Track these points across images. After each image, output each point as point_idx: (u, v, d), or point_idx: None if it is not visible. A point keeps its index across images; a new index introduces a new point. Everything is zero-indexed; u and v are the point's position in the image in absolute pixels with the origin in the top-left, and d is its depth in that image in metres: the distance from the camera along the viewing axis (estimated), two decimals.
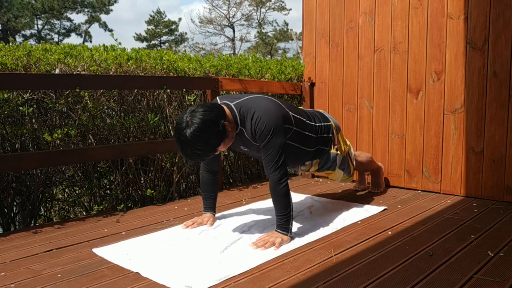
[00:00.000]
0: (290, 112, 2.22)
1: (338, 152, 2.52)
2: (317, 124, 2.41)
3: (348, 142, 2.68)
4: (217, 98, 2.22)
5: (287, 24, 31.88)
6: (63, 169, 2.91)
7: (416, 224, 2.31)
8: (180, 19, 42.57)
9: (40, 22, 27.87)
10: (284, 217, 2.04)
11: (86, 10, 28.26)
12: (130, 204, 2.94)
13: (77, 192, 3.00)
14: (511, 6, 2.67)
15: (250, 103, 2.08)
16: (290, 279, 1.63)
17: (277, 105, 2.13)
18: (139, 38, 32.19)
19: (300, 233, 2.14)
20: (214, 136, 1.91)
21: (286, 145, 2.09)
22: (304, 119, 2.33)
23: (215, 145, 1.93)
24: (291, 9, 32.72)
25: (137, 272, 1.70)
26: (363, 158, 2.90)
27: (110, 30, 30.05)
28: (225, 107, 2.06)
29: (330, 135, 2.48)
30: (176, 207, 2.77)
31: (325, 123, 2.47)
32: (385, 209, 2.62)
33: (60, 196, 3.08)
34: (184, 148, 1.90)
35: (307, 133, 2.32)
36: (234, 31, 31.30)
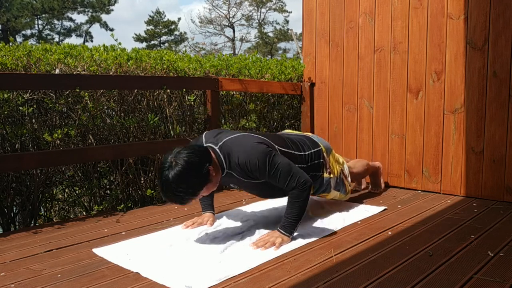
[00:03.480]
0: (277, 146, 2.19)
1: (331, 175, 2.50)
2: (307, 153, 2.37)
3: (341, 160, 2.65)
4: (203, 136, 2.17)
5: (287, 22, 31.87)
6: (63, 169, 2.91)
7: (416, 224, 2.31)
8: (179, 19, 42.51)
9: (40, 22, 27.90)
10: (292, 221, 2.03)
11: (86, 10, 28.28)
12: (130, 204, 2.94)
13: (77, 192, 3.00)
14: (511, 6, 2.67)
15: (234, 147, 2.03)
16: (290, 279, 1.63)
17: (262, 140, 2.10)
18: (138, 38, 32.19)
19: (300, 233, 2.14)
20: (197, 180, 1.89)
21: (286, 159, 2.08)
22: (293, 151, 2.30)
23: (197, 188, 1.91)
24: (291, 11, 32.70)
25: (137, 272, 1.70)
26: (359, 168, 2.88)
27: (111, 30, 30.07)
28: (210, 151, 2.02)
29: (321, 160, 2.45)
30: (176, 207, 2.77)
31: (315, 149, 2.43)
32: (385, 209, 2.61)
33: (60, 196, 3.08)
34: (165, 189, 1.87)
35: (297, 165, 2.24)
36: (234, 31, 31.33)
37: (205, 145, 2.10)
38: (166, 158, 1.89)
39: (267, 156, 2.01)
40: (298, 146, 2.37)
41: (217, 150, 2.05)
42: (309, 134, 2.63)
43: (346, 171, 2.65)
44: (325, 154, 2.48)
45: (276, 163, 2.02)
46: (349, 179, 2.67)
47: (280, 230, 2.04)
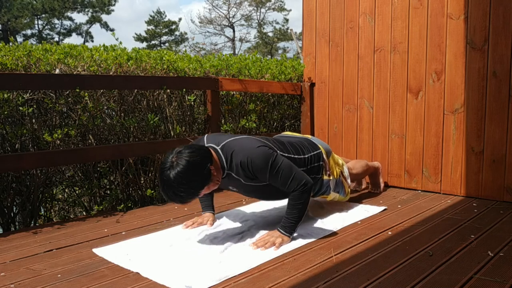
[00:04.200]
0: (278, 151, 2.18)
1: (331, 177, 2.49)
2: (306, 156, 2.36)
3: (341, 162, 2.64)
4: (204, 138, 2.17)
5: (287, 21, 31.83)
6: (63, 169, 2.91)
7: (416, 224, 2.31)
8: (180, 19, 42.58)
9: (40, 22, 27.92)
10: (293, 222, 2.03)
11: (86, 10, 28.31)
12: (130, 204, 2.94)
13: (77, 192, 3.00)
14: (511, 6, 2.67)
15: (236, 148, 2.03)
16: (290, 279, 1.63)
17: (262, 142, 2.09)
18: (139, 38, 32.21)
19: (300, 233, 2.14)
20: (198, 179, 1.88)
21: (287, 160, 2.07)
22: (293, 155, 2.29)
23: (198, 188, 1.89)
24: (291, 9, 32.69)
25: (137, 272, 1.70)
26: (358, 169, 2.88)
27: (112, 30, 30.08)
28: (212, 151, 2.02)
29: (321, 162, 2.43)
30: (176, 207, 2.77)
31: (314, 152, 2.42)
32: (385, 209, 2.62)
33: (60, 196, 3.08)
34: (166, 189, 1.86)
35: None
36: (234, 31, 31.33)
37: (206, 145, 2.10)
38: (167, 158, 1.88)
39: (270, 158, 2.00)
40: (298, 149, 2.36)
41: (219, 150, 2.05)
42: (309, 136, 2.62)
43: (346, 172, 2.65)
44: (325, 157, 2.47)
45: (277, 164, 2.01)
46: (349, 180, 2.66)
47: (280, 230, 2.04)
